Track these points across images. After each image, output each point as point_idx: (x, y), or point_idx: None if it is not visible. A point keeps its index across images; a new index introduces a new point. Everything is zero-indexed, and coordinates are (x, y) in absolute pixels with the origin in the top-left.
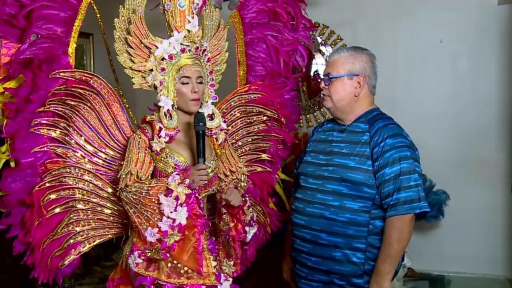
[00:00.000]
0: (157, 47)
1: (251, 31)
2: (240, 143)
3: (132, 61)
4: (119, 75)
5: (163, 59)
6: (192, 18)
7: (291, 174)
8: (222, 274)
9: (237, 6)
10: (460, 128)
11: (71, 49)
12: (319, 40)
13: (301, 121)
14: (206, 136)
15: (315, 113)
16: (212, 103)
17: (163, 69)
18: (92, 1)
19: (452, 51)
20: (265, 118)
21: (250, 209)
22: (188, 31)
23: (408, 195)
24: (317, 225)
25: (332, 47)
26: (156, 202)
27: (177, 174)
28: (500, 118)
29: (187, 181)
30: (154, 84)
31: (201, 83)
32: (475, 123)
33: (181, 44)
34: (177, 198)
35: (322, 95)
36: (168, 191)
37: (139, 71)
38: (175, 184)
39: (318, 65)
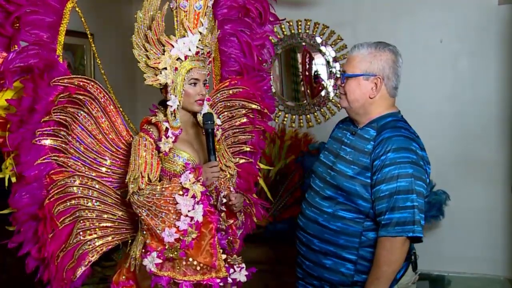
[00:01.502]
0: (172, 46)
1: (223, 27)
2: (223, 137)
3: (148, 57)
4: (119, 75)
5: (178, 58)
6: (204, 20)
7: (290, 173)
8: (234, 265)
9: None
10: (460, 128)
11: (59, 54)
12: (319, 40)
13: (301, 121)
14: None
15: (315, 113)
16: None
17: (176, 69)
18: (76, 5)
19: (452, 51)
20: (244, 111)
21: (242, 214)
22: (200, 33)
23: (402, 216)
24: (311, 230)
25: (332, 47)
26: (171, 202)
27: (190, 173)
28: (500, 118)
29: (201, 179)
30: (161, 83)
31: (204, 84)
32: (475, 123)
33: (196, 47)
34: (194, 197)
35: (338, 93)
36: (184, 190)
37: (153, 68)
38: (190, 183)
39: (318, 65)
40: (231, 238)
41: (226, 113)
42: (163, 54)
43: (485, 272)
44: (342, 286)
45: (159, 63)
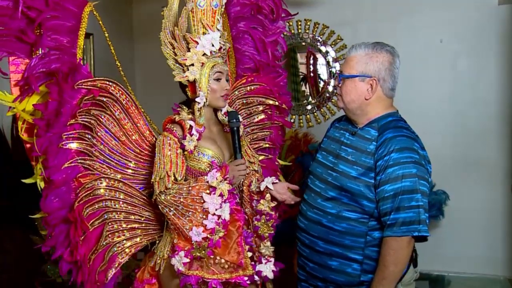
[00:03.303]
0: (197, 43)
1: (236, 25)
2: (244, 134)
3: (175, 54)
4: (117, 75)
5: (203, 54)
6: (220, 17)
7: (291, 173)
8: (262, 258)
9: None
10: (460, 128)
11: (80, 57)
12: (319, 40)
13: (301, 121)
14: (227, 132)
15: (315, 113)
16: None
17: (202, 65)
18: (93, 8)
19: (452, 51)
20: (262, 107)
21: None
22: (218, 30)
23: (407, 216)
24: (314, 231)
25: (332, 47)
26: (198, 201)
27: (217, 171)
28: (500, 118)
29: (228, 177)
30: (189, 80)
31: (227, 80)
32: (475, 123)
33: (219, 42)
34: (221, 195)
35: (336, 94)
36: (211, 189)
37: (181, 64)
38: (217, 181)
39: (318, 65)
40: (267, 221)
41: (244, 110)
42: (188, 51)
43: (485, 272)
44: (348, 286)
45: (186, 59)
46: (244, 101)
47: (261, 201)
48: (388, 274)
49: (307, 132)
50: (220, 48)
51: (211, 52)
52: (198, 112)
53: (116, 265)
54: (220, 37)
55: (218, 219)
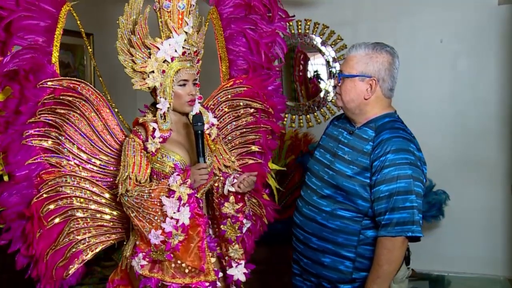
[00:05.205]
0: (158, 49)
1: (230, 26)
2: (230, 137)
3: (134, 62)
4: (119, 75)
5: (164, 61)
6: (189, 19)
7: (290, 173)
8: (232, 262)
9: (214, 2)
10: (460, 128)
11: (54, 58)
12: (319, 40)
13: (301, 121)
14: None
15: (315, 113)
16: (198, 102)
17: (163, 71)
18: (71, 8)
19: (452, 51)
20: (252, 110)
21: (248, 202)
22: (185, 33)
23: (401, 217)
24: (309, 228)
25: (332, 47)
26: (158, 204)
27: (177, 174)
28: (500, 118)
29: (189, 181)
30: (149, 87)
31: (195, 84)
32: (475, 123)
33: (183, 47)
34: (179, 199)
35: (335, 92)
36: (170, 192)
37: (140, 72)
38: (176, 185)
39: (318, 65)
40: (234, 224)
41: (231, 112)
42: (149, 58)
43: (485, 272)
44: (340, 283)
45: (146, 67)
46: (231, 104)
47: (225, 204)
48: (382, 273)
49: (307, 132)
50: (184, 52)
51: (172, 58)
52: (162, 118)
53: (80, 261)
54: (185, 40)
55: (176, 223)
